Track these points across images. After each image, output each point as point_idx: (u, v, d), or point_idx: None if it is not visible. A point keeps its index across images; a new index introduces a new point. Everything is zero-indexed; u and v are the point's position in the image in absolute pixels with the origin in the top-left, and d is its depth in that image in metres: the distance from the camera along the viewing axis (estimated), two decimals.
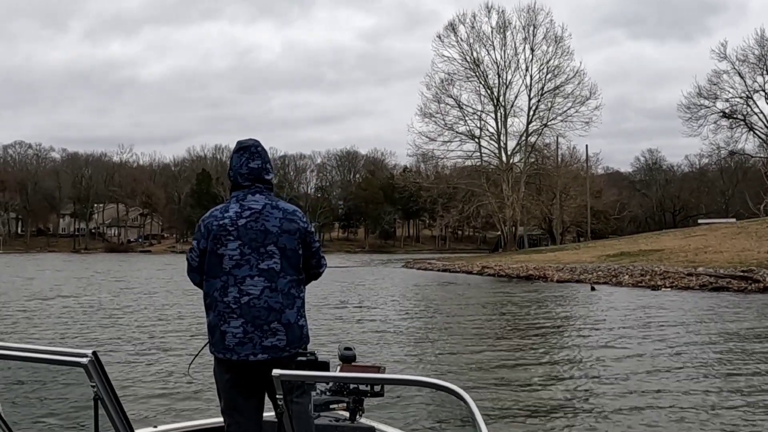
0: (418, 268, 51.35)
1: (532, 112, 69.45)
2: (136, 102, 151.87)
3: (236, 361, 3.40)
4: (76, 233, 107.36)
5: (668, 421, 7.93)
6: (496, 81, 69.33)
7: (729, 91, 66.57)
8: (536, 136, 70.82)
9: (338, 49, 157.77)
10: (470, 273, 44.16)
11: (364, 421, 3.45)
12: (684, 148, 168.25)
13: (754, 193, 71.94)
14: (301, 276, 3.59)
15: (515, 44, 68.68)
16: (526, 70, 68.88)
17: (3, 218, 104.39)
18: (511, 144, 70.68)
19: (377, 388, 3.03)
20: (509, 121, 69.94)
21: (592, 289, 29.20)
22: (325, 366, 3.29)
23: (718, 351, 13.03)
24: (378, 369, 3.17)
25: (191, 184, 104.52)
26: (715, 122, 68.00)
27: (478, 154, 70.47)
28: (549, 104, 68.96)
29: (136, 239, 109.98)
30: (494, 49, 68.85)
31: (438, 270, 48.76)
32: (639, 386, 9.81)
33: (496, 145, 69.97)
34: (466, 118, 69.72)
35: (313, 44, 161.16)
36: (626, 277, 32.72)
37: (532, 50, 68.26)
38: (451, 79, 69.47)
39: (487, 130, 70.16)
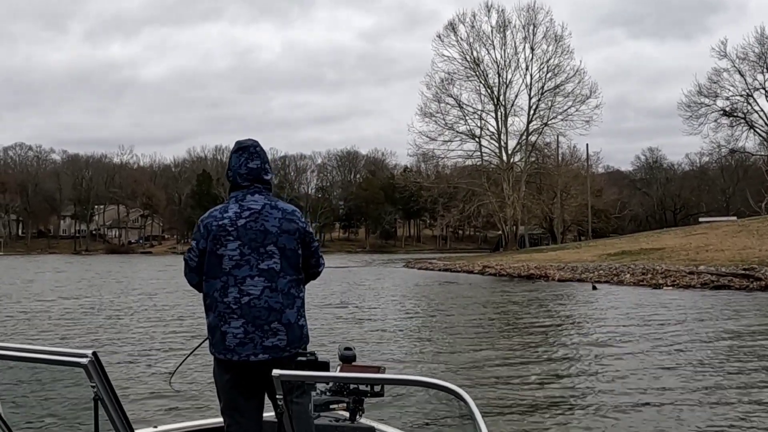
0: (419, 268, 51.35)
1: (532, 111, 69.54)
2: (137, 103, 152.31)
3: (237, 361, 3.40)
4: (77, 235, 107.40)
5: (669, 419, 7.93)
6: (497, 80, 69.44)
7: (729, 90, 66.67)
8: (537, 135, 70.90)
9: (338, 49, 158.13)
10: (471, 272, 44.14)
11: (364, 421, 3.45)
12: (684, 146, 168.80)
13: (754, 191, 71.93)
14: (301, 276, 3.59)
15: (515, 43, 68.78)
16: (526, 69, 68.98)
17: (3, 220, 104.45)
18: (512, 143, 70.81)
19: (377, 388, 3.04)
20: (509, 120, 70.06)
21: (594, 288, 29.18)
22: (325, 366, 3.29)
23: (720, 349, 13.02)
24: (378, 369, 3.17)
25: (192, 185, 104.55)
26: (715, 120, 68.13)
27: (479, 153, 70.57)
28: (549, 103, 69.05)
29: (137, 240, 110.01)
30: (494, 48, 68.96)
31: (439, 270, 48.75)
32: (640, 384, 9.81)
33: (497, 145, 70.03)
34: (467, 118, 69.84)
35: (313, 44, 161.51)
36: (627, 275, 32.70)
37: (532, 49, 68.36)
38: (452, 79, 69.61)
39: (488, 129, 70.27)
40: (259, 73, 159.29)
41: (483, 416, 2.60)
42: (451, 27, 69.22)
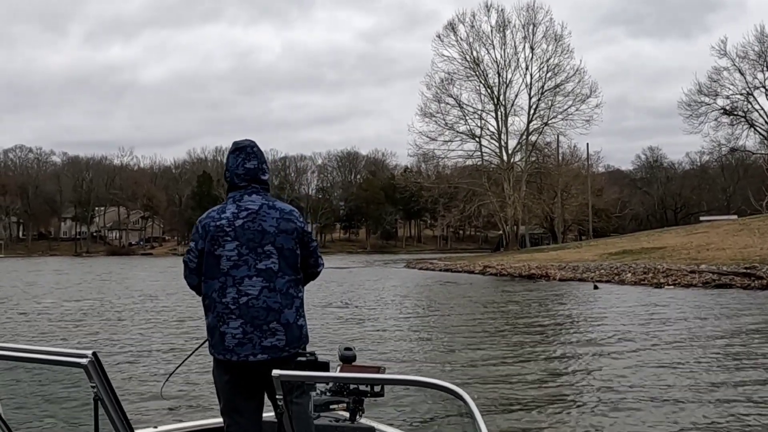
0: (420, 268, 51.34)
1: (532, 111, 69.52)
2: (137, 105, 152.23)
3: (236, 361, 3.40)
4: (78, 237, 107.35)
5: (668, 417, 7.92)
6: (496, 80, 69.44)
7: (729, 88, 66.64)
8: (537, 135, 70.88)
9: (338, 49, 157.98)
10: (472, 272, 44.14)
11: (364, 421, 3.45)
12: (685, 145, 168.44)
13: (755, 189, 71.89)
14: (300, 276, 3.58)
15: (515, 43, 68.76)
16: (526, 68, 68.97)
17: (4, 222, 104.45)
18: (512, 143, 70.80)
19: (377, 388, 3.03)
20: (510, 120, 70.05)
21: (595, 287, 29.16)
22: (325, 366, 3.28)
23: (722, 347, 13.02)
24: (378, 369, 3.17)
25: (192, 187, 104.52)
26: (715, 119, 68.11)
27: (479, 153, 70.56)
28: (549, 103, 69.03)
29: (138, 242, 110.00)
30: (494, 48, 68.95)
31: (440, 270, 48.74)
32: (641, 382, 9.80)
33: (497, 145, 70.01)
34: (467, 118, 69.83)
35: (313, 45, 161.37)
36: (629, 275, 32.70)
37: (532, 49, 68.34)
38: (451, 79, 69.59)
39: (488, 129, 70.26)
40: (259, 74, 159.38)
41: (483, 415, 2.60)
42: (451, 27, 69.33)
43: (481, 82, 69.28)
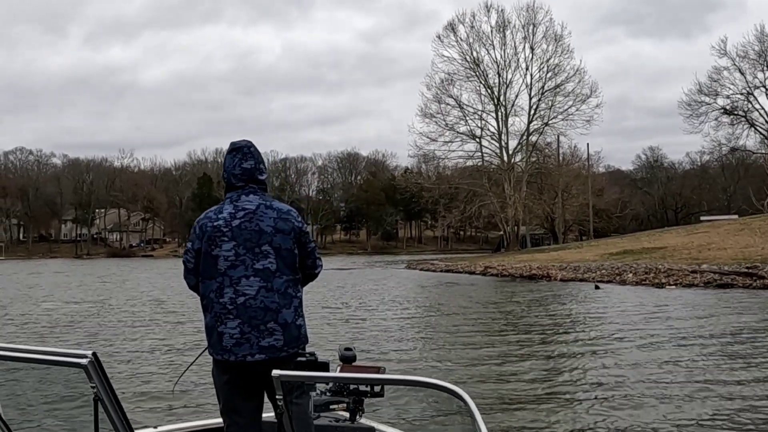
0: (421, 269, 51.33)
1: (532, 111, 69.54)
2: (137, 106, 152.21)
3: (234, 362, 3.39)
4: (78, 239, 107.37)
5: (668, 415, 7.93)
6: (497, 80, 69.45)
7: (729, 88, 66.61)
8: (537, 135, 70.90)
9: (338, 50, 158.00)
10: (473, 273, 44.14)
11: (364, 421, 3.44)
12: (685, 145, 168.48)
13: (755, 189, 71.88)
14: (298, 276, 3.58)
15: (515, 43, 68.79)
16: (527, 69, 68.99)
17: (5, 224, 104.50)
18: (513, 143, 70.82)
19: (377, 388, 3.03)
20: (510, 120, 70.06)
21: (597, 287, 29.15)
22: (325, 366, 3.28)
23: (724, 346, 13.01)
24: (378, 369, 3.17)
25: (192, 188, 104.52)
26: (716, 119, 68.06)
27: (480, 154, 70.57)
28: (550, 103, 69.04)
29: (138, 244, 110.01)
30: (494, 48, 68.98)
31: (441, 271, 48.74)
32: (643, 381, 9.80)
33: (497, 145, 70.02)
34: (467, 118, 69.85)
35: (312, 46, 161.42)
36: (630, 275, 32.68)
37: (532, 49, 68.36)
38: (452, 79, 69.62)
39: (488, 129, 70.28)
40: (259, 75, 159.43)
41: (483, 415, 2.60)
42: (451, 27, 69.36)
43: (481, 82, 69.38)
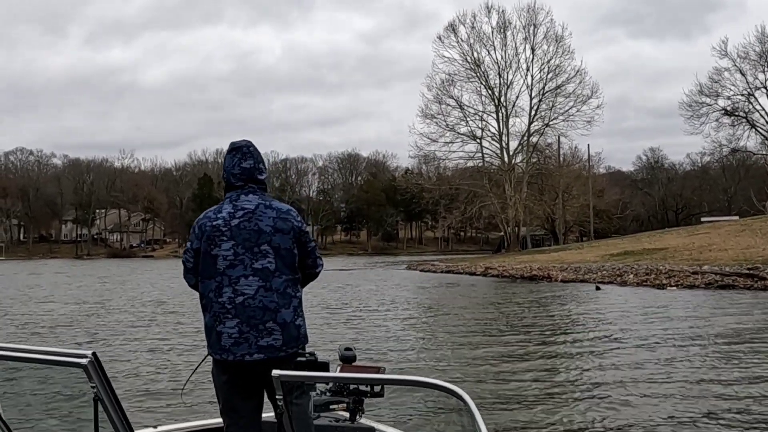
0: (422, 270, 51.30)
1: (533, 112, 69.56)
2: (137, 107, 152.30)
3: (232, 361, 3.39)
4: (79, 239, 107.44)
5: (667, 413, 7.93)
6: (497, 81, 69.47)
7: (730, 89, 66.58)
8: (538, 136, 70.96)
9: (338, 51, 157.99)
10: (474, 274, 44.12)
11: (364, 421, 3.44)
12: (685, 146, 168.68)
13: (756, 190, 71.88)
14: (298, 275, 3.57)
15: (516, 44, 68.81)
16: (527, 70, 69.01)
17: (5, 225, 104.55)
18: (513, 144, 70.84)
19: (377, 388, 3.03)
20: (511, 121, 70.09)
21: (597, 288, 29.12)
22: (325, 366, 3.28)
23: (725, 348, 13.00)
24: (378, 369, 3.17)
25: (193, 189, 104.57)
26: (716, 120, 68.03)
27: (480, 154, 70.55)
28: (550, 104, 69.08)
29: (139, 244, 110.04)
30: (495, 49, 68.99)
31: (441, 271, 48.72)
32: (643, 381, 9.80)
33: (498, 146, 70.04)
34: (468, 119, 69.86)
35: (313, 47, 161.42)
36: (631, 276, 32.67)
37: (533, 50, 68.38)
38: (452, 80, 69.63)
39: (489, 130, 70.28)
40: (260, 75, 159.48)
41: (483, 414, 2.60)
42: (452, 28, 69.38)
43: (482, 83, 69.41)
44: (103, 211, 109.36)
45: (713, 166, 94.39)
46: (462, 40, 68.84)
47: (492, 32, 68.63)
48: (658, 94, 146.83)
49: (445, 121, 69.32)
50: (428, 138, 69.18)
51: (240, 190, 3.58)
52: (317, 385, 3.19)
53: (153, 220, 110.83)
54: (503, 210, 67.99)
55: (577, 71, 67.58)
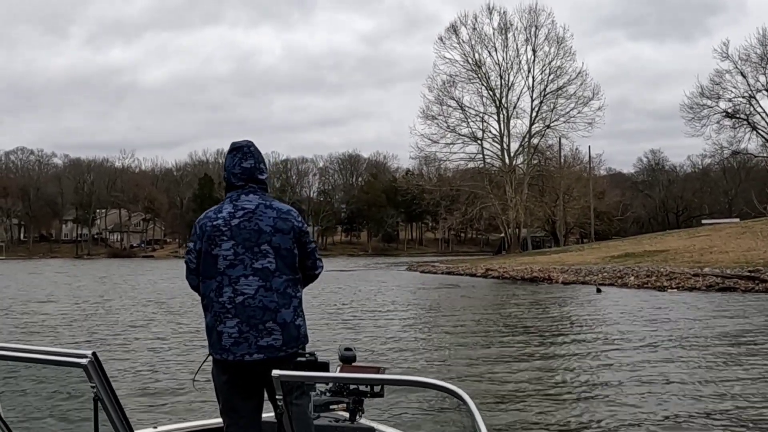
0: (422, 271, 51.29)
1: (534, 114, 69.54)
2: (138, 107, 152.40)
3: (232, 361, 3.39)
4: (79, 239, 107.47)
5: (665, 412, 7.93)
6: (499, 82, 69.48)
7: (731, 91, 66.51)
8: (539, 138, 70.91)
9: (339, 52, 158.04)
10: (474, 275, 44.10)
11: (364, 421, 3.44)
12: (686, 148, 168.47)
13: (758, 192, 71.81)
14: (298, 276, 3.57)
15: (517, 45, 68.82)
16: (529, 71, 69.00)
17: (5, 224, 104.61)
18: (514, 146, 70.82)
19: (377, 388, 3.03)
20: (512, 122, 70.08)
21: (598, 291, 29.08)
22: (324, 366, 3.28)
23: (726, 350, 13.00)
24: (378, 369, 3.17)
25: (193, 189, 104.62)
26: (717, 122, 67.91)
27: (481, 156, 70.57)
28: (551, 105, 69.06)
29: (139, 244, 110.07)
30: (496, 50, 68.99)
31: (442, 273, 48.69)
32: (643, 381, 9.80)
33: (499, 147, 70.04)
34: (469, 120, 69.86)
35: (313, 47, 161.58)
36: (632, 278, 32.64)
37: (534, 51, 68.38)
38: (453, 81, 69.62)
39: (490, 131, 70.28)
40: (260, 76, 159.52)
41: (483, 414, 2.60)
42: (453, 29, 69.37)
43: (483, 84, 69.42)
44: (103, 211, 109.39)
45: (714, 168, 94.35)
46: (463, 41, 68.94)
47: (493, 33, 68.74)
48: (658, 96, 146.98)
49: (446, 122, 69.41)
50: (429, 139, 69.31)
51: (240, 190, 3.58)
52: (317, 385, 3.19)
53: (153, 220, 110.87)
54: (504, 211, 67.97)
55: (579, 73, 67.67)
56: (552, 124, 69.51)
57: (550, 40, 67.98)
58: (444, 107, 69.42)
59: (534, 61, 68.49)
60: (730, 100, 66.85)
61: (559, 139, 71.09)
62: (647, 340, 14.33)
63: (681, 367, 11.24)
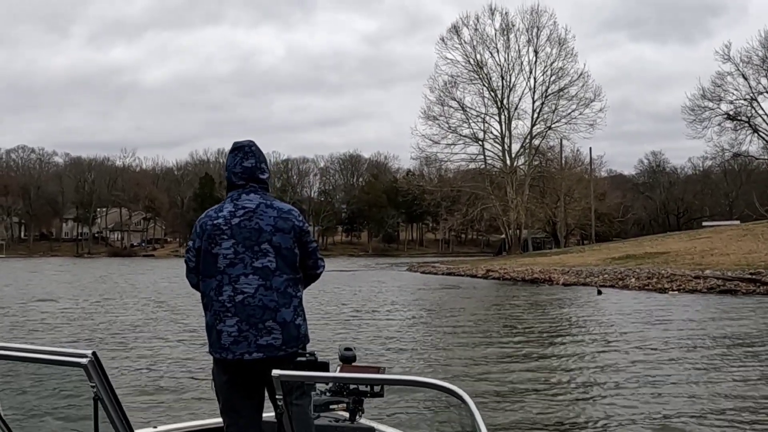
0: (422, 272, 51.27)
1: (536, 115, 69.50)
2: (139, 106, 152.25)
3: (232, 360, 3.39)
4: (79, 238, 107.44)
5: (665, 412, 7.92)
6: (500, 83, 69.44)
7: (733, 93, 66.45)
8: (540, 139, 70.90)
9: (340, 52, 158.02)
10: (475, 276, 44.08)
11: (363, 421, 3.44)
12: (687, 150, 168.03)
13: (759, 194, 71.79)
14: (299, 275, 3.57)
15: (519, 46, 68.80)
16: (530, 72, 68.99)
17: (6, 223, 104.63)
18: (515, 147, 70.78)
19: (377, 388, 3.03)
20: (513, 123, 70.05)
21: (599, 292, 29.01)
22: (325, 366, 3.28)
23: (726, 352, 12.98)
24: (378, 369, 3.18)
25: (194, 188, 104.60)
26: (719, 124, 67.86)
27: (482, 156, 70.54)
28: (553, 106, 69.03)
29: (139, 243, 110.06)
30: (498, 51, 68.97)
31: (442, 273, 48.67)
32: (644, 381, 9.79)
33: (500, 148, 70.05)
34: (470, 121, 69.85)
35: (314, 48, 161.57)
36: (633, 280, 32.60)
37: (536, 52, 68.37)
38: (455, 82, 69.60)
39: (491, 132, 70.26)
40: (261, 76, 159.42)
41: (482, 414, 2.60)
42: (455, 30, 69.37)
43: (484, 85, 69.41)
44: (104, 209, 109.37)
45: (715, 170, 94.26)
46: (465, 42, 68.92)
47: (495, 34, 68.72)
48: (660, 98, 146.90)
49: (448, 123, 69.39)
50: (430, 140, 69.28)
51: (241, 189, 3.59)
52: (317, 385, 3.19)
53: (154, 220, 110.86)
54: (504, 212, 67.95)
55: (580, 74, 67.65)
56: (553, 126, 69.58)
57: (551, 41, 68.07)
58: (445, 108, 69.50)
59: (535, 62, 68.59)
60: (731, 103, 66.87)
61: (561, 140, 71.17)
62: (647, 342, 14.32)
63: (681, 368, 11.23)
